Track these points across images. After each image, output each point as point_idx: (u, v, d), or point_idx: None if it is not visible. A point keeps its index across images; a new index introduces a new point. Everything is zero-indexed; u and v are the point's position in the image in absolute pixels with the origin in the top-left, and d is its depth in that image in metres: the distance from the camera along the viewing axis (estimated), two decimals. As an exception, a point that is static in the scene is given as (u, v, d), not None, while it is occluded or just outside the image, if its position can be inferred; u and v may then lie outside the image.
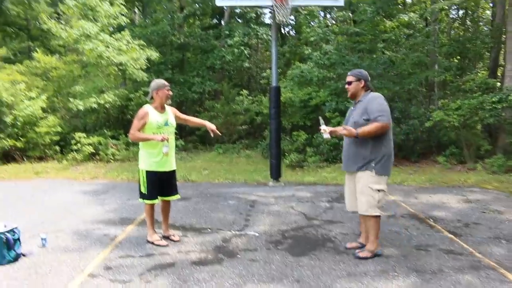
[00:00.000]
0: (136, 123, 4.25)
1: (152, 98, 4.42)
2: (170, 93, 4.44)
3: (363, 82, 4.14)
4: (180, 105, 14.55)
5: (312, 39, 12.53)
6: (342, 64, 11.86)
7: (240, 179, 8.75)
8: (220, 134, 4.82)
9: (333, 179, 8.71)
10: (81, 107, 10.74)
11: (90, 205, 6.38)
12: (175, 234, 4.73)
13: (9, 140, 10.16)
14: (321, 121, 4.33)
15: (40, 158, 10.98)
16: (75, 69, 12.81)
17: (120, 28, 12.63)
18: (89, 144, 10.80)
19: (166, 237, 4.68)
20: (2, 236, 4.01)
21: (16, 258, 4.07)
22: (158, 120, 4.28)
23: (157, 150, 4.30)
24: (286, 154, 10.58)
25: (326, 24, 14.34)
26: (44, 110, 11.35)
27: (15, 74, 11.14)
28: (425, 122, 10.43)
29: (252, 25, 14.89)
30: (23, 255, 4.18)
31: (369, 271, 3.77)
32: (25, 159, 10.57)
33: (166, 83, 4.45)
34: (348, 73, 4.27)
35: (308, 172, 9.67)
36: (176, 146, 12.38)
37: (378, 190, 4.00)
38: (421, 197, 6.96)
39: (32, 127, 10.57)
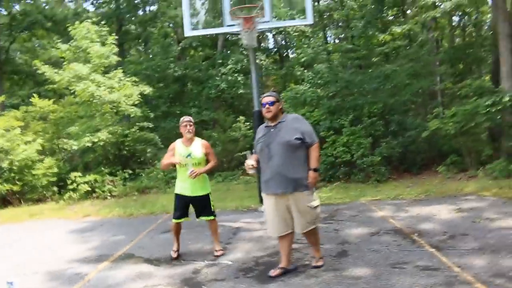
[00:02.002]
0: (166, 155, 5.18)
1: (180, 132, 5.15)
2: (188, 128, 4.99)
3: (281, 103, 4.28)
4: (179, 136, 14.69)
5: (303, 59, 12.62)
6: (335, 82, 11.85)
7: (232, 206, 8.69)
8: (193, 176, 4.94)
9: (327, 199, 8.56)
10: (75, 147, 10.97)
11: (72, 244, 6.40)
12: (219, 250, 5.21)
13: (6, 184, 10.36)
14: (248, 155, 4.30)
15: (39, 200, 11.15)
16: (73, 110, 13.11)
17: (112, 67, 12.95)
18: (85, 183, 10.94)
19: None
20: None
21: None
22: (180, 152, 4.99)
23: (181, 177, 5.02)
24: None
25: (320, 43, 14.39)
26: (41, 152, 11.60)
27: (11, 120, 11.44)
28: (422, 132, 10.27)
29: (244, 51, 15.13)
30: (-12, 301, 4.20)
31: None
32: (22, 202, 10.74)
33: (186, 119, 5.07)
34: (265, 95, 4.28)
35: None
36: (175, 177, 12.57)
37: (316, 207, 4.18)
38: (412, 211, 6.78)
39: (28, 170, 10.77)
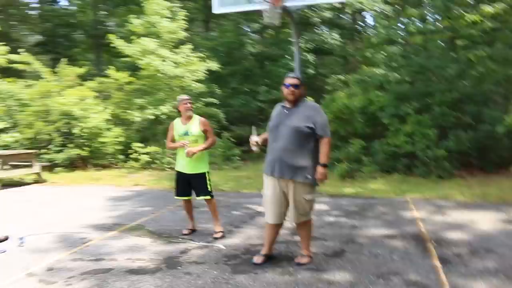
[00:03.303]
0: (168, 135, 5.34)
1: (178, 111, 5.28)
2: (188, 106, 5.11)
3: (304, 87, 4.10)
4: (244, 115, 14.84)
5: (374, 40, 11.85)
6: (409, 66, 10.97)
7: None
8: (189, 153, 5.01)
9: (372, 192, 8.06)
10: (138, 119, 11.63)
11: (100, 211, 6.85)
12: (218, 232, 5.27)
13: (76, 149, 11.37)
14: (253, 131, 4.20)
15: (106, 166, 12.07)
16: (147, 82, 13.82)
17: (182, 42, 13.36)
18: (146, 153, 11.57)
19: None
20: (-29, 234, 4.54)
21: (-15, 255, 4.57)
22: (179, 130, 5.14)
23: (180, 155, 5.17)
24: (336, 163, 10.11)
25: (399, 24, 13.36)
26: (113, 122, 12.48)
27: (86, 90, 12.44)
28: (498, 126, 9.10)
29: (317, 29, 14.64)
30: (-3, 252, 4.70)
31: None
32: (88, 167, 11.71)
33: (186, 97, 5.20)
34: (290, 75, 4.14)
35: (357, 183, 9.11)
36: (234, 155, 12.78)
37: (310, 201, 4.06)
38: (451, 215, 6.10)
39: (96, 138, 11.68)
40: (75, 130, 11.58)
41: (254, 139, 4.27)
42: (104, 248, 4.84)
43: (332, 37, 14.29)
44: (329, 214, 6.35)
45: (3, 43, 13.92)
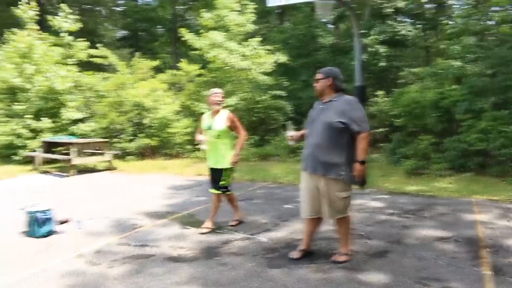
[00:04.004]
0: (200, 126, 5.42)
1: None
2: (215, 99, 5.10)
3: (330, 80, 3.98)
4: (307, 105, 14.68)
5: (449, 31, 11.10)
6: (487, 58, 10.17)
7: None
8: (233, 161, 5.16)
9: (437, 190, 7.63)
10: (204, 110, 11.98)
11: (157, 199, 7.20)
12: (233, 220, 5.53)
13: (146, 139, 12.01)
14: (289, 126, 4.18)
15: (175, 156, 12.60)
16: (218, 75, 14.20)
17: (251, 35, 13.52)
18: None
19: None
20: (34, 215, 5.00)
21: (47, 234, 5.04)
22: (204, 124, 5.22)
23: (208, 148, 5.19)
24: (402, 159, 9.73)
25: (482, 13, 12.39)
26: (183, 113, 13.00)
27: (157, 82, 13.07)
28: None
29: (389, 21, 14.01)
30: (57, 232, 5.14)
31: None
32: (157, 157, 12.31)
33: (215, 91, 5.19)
34: (318, 71, 4.13)
35: (423, 180, 8.67)
36: (299, 148, 12.70)
37: (345, 198, 3.96)
38: (520, 221, 5.59)
39: (165, 128, 12.24)
40: (146, 121, 12.23)
41: (289, 134, 4.33)
42: (151, 234, 5.09)
43: (406, 28, 13.60)
44: (382, 212, 6.12)
45: (89, 38, 15.06)
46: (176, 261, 4.20)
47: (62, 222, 5.52)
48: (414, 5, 13.96)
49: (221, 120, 5.11)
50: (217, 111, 5.15)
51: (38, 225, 5.01)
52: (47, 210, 5.14)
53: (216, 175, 5.21)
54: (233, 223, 5.46)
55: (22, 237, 5.01)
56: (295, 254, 4.24)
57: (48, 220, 5.10)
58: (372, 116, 13.49)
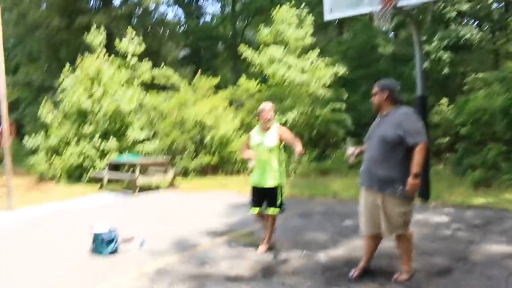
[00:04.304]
0: (246, 142, 5.36)
1: (259, 119, 5.16)
2: (267, 116, 4.97)
3: (387, 93, 3.91)
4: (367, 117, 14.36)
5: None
6: None
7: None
8: (299, 153, 4.86)
9: (507, 202, 7.16)
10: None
11: (216, 217, 7.32)
12: (261, 248, 5.19)
13: (207, 156, 12.31)
14: (348, 143, 4.12)
15: (236, 173, 12.78)
16: (277, 91, 14.32)
17: (310, 48, 13.52)
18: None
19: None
20: (100, 236, 5.27)
21: (112, 252, 5.28)
22: (254, 140, 5.09)
23: (255, 166, 5.02)
24: (469, 169, 9.29)
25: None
26: (241, 129, 13.22)
27: (218, 99, 13.40)
28: None
29: (453, 26, 13.41)
30: (120, 251, 5.38)
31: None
32: (220, 173, 12.54)
33: (267, 107, 5.02)
34: (375, 84, 4.06)
35: (492, 192, 8.19)
36: (360, 161, 12.44)
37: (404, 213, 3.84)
38: None
39: (225, 146, 12.48)
40: (207, 138, 12.55)
41: (350, 151, 4.28)
42: (210, 253, 5.18)
43: (471, 32, 12.96)
44: (447, 227, 5.86)
45: (153, 58, 15.77)
46: (234, 281, 4.24)
47: (127, 240, 5.75)
48: (480, 6, 13.29)
49: (272, 136, 4.97)
50: (268, 128, 5.02)
51: (104, 244, 5.27)
52: (112, 230, 5.39)
53: (266, 194, 5.04)
54: (263, 249, 5.15)
55: (89, 256, 5.28)
56: (354, 273, 4.15)
57: (113, 240, 5.35)
58: (435, 126, 12.98)
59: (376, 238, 4.13)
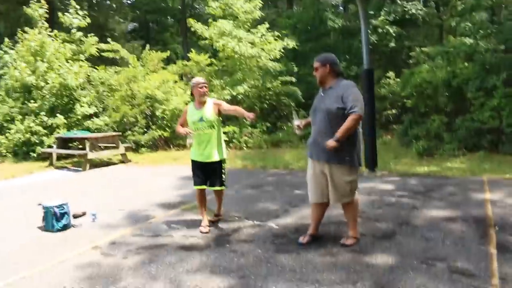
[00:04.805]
0: (180, 119, 5.15)
1: (192, 95, 4.97)
2: (203, 90, 4.80)
3: (328, 67, 4.03)
4: (316, 89, 14.67)
5: (459, 8, 10.94)
6: (499, 33, 10.02)
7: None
8: (251, 118, 4.68)
9: (447, 170, 7.63)
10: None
11: (169, 190, 7.36)
12: (218, 215, 5.30)
13: (158, 131, 12.19)
14: (294, 115, 4.24)
15: (187, 146, 12.72)
16: (227, 64, 14.24)
17: (259, 22, 13.51)
18: (224, 133, 12.01)
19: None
20: (51, 209, 5.18)
21: (64, 228, 5.22)
22: (192, 117, 4.86)
23: (195, 142, 4.87)
24: (414, 140, 9.77)
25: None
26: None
27: (168, 74, 13.19)
28: None
29: (399, 1, 13.84)
30: (73, 226, 5.33)
31: (323, 279, 3.51)
32: (171, 148, 12.48)
33: (201, 80, 4.86)
34: (315, 59, 4.17)
35: (435, 161, 8.68)
36: (310, 133, 12.76)
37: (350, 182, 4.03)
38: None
39: (177, 119, 12.36)
40: (158, 113, 12.39)
41: (296, 123, 4.37)
42: (164, 225, 5.24)
43: (416, 7, 13.40)
44: (392, 195, 6.19)
45: (99, 33, 15.22)
46: (188, 250, 4.32)
47: (78, 216, 5.70)
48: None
49: (210, 109, 4.81)
50: (203, 102, 4.84)
51: (56, 219, 5.19)
52: (63, 204, 5.31)
53: (209, 169, 4.92)
54: (214, 219, 5.21)
55: (40, 231, 5.20)
56: (303, 239, 4.33)
57: (64, 214, 5.28)
58: (383, 98, 13.46)
59: (322, 206, 4.32)
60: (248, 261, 3.94)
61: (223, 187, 5.03)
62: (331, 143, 3.82)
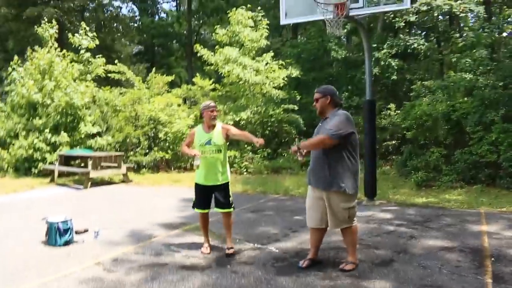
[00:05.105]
0: (186, 140, 5.13)
1: (201, 117, 4.99)
2: (214, 114, 4.81)
3: (329, 98, 4.20)
4: (318, 118, 14.87)
5: (460, 45, 11.26)
6: (499, 70, 10.28)
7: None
8: (260, 144, 4.69)
9: (450, 202, 7.73)
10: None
11: (171, 211, 7.43)
12: (230, 248, 4.94)
13: (160, 152, 12.31)
14: (297, 142, 4.37)
15: (187, 169, 12.84)
16: (231, 89, 14.48)
17: (265, 50, 13.83)
18: (225, 157, 12.16)
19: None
20: (55, 225, 5.25)
21: (66, 243, 5.28)
22: (200, 139, 4.85)
23: (201, 166, 4.81)
24: (413, 171, 9.89)
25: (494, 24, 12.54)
26: (194, 127, 13.31)
27: (172, 97, 13.42)
28: None
29: (401, 35, 14.20)
30: (75, 242, 5.39)
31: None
32: (172, 169, 12.58)
33: (212, 104, 4.87)
34: (315, 91, 4.36)
35: (433, 192, 8.78)
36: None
37: (348, 208, 4.15)
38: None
39: (179, 142, 12.51)
40: (161, 135, 12.55)
41: (293, 148, 4.38)
42: (166, 244, 5.30)
43: (418, 42, 13.74)
44: (390, 223, 6.27)
45: (106, 54, 15.55)
46: (189, 269, 4.39)
47: (80, 232, 5.76)
48: (427, 18, 14.13)
49: (218, 133, 4.83)
50: (213, 126, 4.84)
51: (59, 235, 5.26)
52: (67, 220, 5.39)
53: (217, 191, 4.89)
54: (230, 251, 4.90)
55: (43, 246, 5.26)
56: (303, 263, 4.41)
57: (68, 230, 5.35)
58: (384, 129, 13.64)
59: (320, 231, 4.43)
60: (249, 282, 4.00)
61: (231, 209, 4.98)
62: (292, 147, 4.26)
